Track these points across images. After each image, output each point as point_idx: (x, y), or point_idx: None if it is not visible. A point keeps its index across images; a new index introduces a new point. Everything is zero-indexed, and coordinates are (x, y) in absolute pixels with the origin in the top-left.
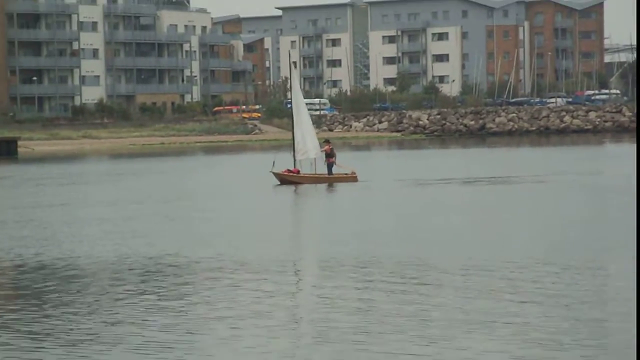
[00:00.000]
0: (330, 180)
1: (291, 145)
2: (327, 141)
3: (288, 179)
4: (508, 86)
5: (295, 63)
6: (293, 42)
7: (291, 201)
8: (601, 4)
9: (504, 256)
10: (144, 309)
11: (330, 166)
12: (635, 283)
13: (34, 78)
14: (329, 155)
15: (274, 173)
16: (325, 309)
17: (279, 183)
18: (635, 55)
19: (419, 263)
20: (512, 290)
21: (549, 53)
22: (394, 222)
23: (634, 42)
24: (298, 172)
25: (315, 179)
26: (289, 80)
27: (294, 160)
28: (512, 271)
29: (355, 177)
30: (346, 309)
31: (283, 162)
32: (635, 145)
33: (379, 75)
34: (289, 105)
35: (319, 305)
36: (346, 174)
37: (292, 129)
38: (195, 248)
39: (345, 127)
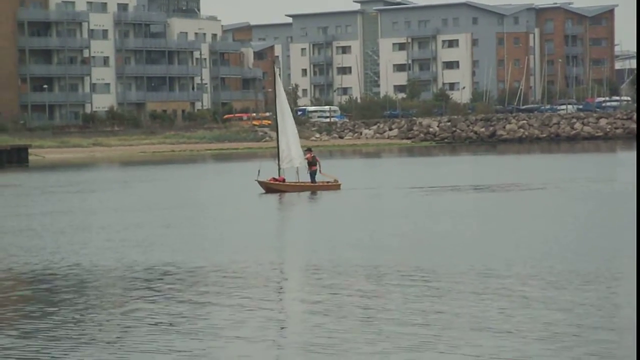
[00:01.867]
0: (314, 188)
1: (276, 154)
2: (308, 149)
3: (273, 188)
4: (518, 93)
5: (279, 70)
6: (303, 49)
7: (275, 210)
8: (612, 11)
9: (470, 263)
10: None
11: (313, 174)
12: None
13: (45, 86)
14: (311, 163)
15: (259, 181)
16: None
17: (264, 191)
18: None
19: (401, 269)
20: (493, 296)
21: (560, 60)
22: (370, 229)
23: None
24: (283, 180)
25: (300, 187)
26: (299, 88)
27: (279, 168)
28: (482, 277)
29: (339, 185)
30: (323, 314)
31: (268, 170)
32: None
33: (389, 82)
34: (299, 113)
35: (300, 314)
36: (329, 182)
37: (277, 137)
38: (188, 257)
39: (356, 135)
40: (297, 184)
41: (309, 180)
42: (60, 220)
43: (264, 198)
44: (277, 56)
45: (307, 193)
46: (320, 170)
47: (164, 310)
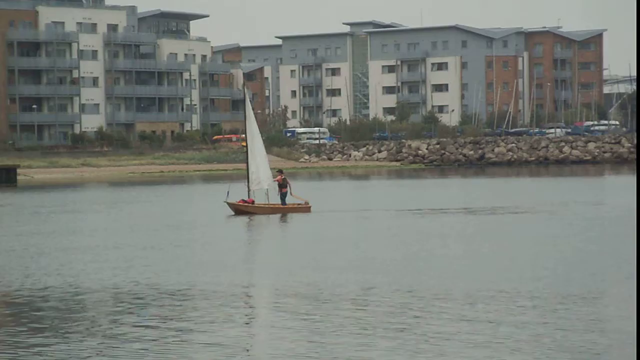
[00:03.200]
0: (284, 210)
1: (245, 176)
2: (280, 171)
3: (242, 209)
4: (507, 116)
5: (247, 88)
6: (293, 71)
7: (243, 232)
8: (600, 35)
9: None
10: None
11: (283, 196)
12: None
13: (34, 106)
14: (282, 185)
15: (228, 203)
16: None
17: (233, 213)
18: (635, 86)
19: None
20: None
21: (548, 83)
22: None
23: (634, 74)
24: (252, 202)
25: (270, 209)
26: (288, 109)
27: (248, 190)
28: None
29: (309, 207)
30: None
31: (239, 192)
32: (635, 176)
33: (379, 104)
34: (288, 134)
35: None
36: (300, 204)
37: (246, 159)
38: (159, 277)
39: (345, 156)
40: (267, 205)
41: (280, 203)
42: (43, 241)
43: (232, 220)
44: (267, 77)
45: (277, 215)
46: (291, 192)
47: (143, 333)
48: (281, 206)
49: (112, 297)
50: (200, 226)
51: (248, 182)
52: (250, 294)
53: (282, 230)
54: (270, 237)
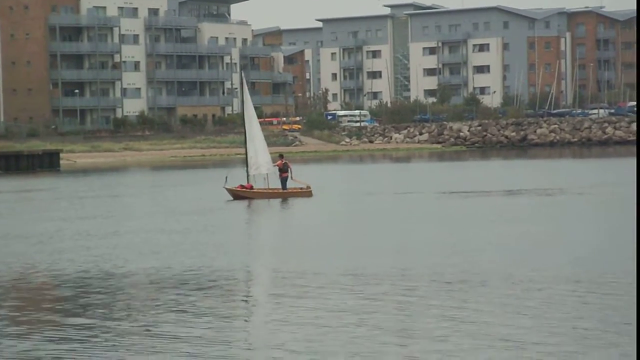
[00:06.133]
0: (283, 195)
1: (244, 160)
2: (280, 156)
3: (241, 195)
4: (549, 97)
5: (243, 70)
6: (333, 54)
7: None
8: None
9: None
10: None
11: (284, 181)
12: None
13: (76, 91)
14: (282, 170)
15: (227, 189)
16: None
17: (231, 199)
18: None
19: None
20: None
21: (591, 64)
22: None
23: None
24: (251, 187)
25: (269, 194)
26: (329, 92)
27: (247, 175)
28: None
29: (310, 191)
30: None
31: (237, 177)
32: None
33: (420, 86)
34: (329, 117)
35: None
36: (301, 188)
37: (244, 143)
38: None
39: (386, 139)
40: (265, 190)
41: (280, 187)
42: (92, 225)
43: (231, 204)
44: (307, 60)
45: (277, 200)
46: (292, 177)
47: (184, 321)
48: (281, 191)
49: (174, 279)
50: (243, 209)
51: (247, 167)
52: (319, 276)
53: (329, 215)
54: (319, 221)
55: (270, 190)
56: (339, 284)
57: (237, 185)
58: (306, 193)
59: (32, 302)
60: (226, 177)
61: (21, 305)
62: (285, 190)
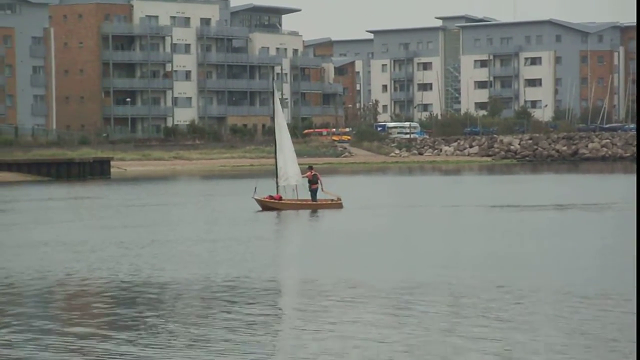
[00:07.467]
0: (313, 206)
1: (274, 171)
2: (310, 167)
3: (269, 205)
4: (602, 112)
5: (275, 82)
6: (384, 65)
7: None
8: None
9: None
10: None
11: (314, 192)
12: None
13: (128, 99)
14: (312, 181)
15: (256, 199)
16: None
17: (260, 209)
18: None
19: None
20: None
21: None
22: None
23: None
24: (280, 198)
25: (297, 205)
26: (379, 104)
27: (277, 186)
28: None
29: (340, 203)
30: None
31: (267, 187)
32: None
33: (470, 99)
34: (379, 129)
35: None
36: (332, 200)
37: (274, 154)
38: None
39: (436, 151)
40: (295, 201)
41: (310, 198)
42: (145, 234)
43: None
44: (358, 72)
45: (307, 211)
46: (322, 189)
47: (236, 321)
48: (310, 202)
49: (224, 288)
50: (288, 219)
51: (277, 178)
52: (367, 288)
53: (374, 226)
54: (366, 232)
55: (299, 202)
56: (384, 296)
57: (266, 195)
58: (336, 205)
59: (70, 310)
60: (255, 188)
61: (58, 314)
62: (315, 202)
